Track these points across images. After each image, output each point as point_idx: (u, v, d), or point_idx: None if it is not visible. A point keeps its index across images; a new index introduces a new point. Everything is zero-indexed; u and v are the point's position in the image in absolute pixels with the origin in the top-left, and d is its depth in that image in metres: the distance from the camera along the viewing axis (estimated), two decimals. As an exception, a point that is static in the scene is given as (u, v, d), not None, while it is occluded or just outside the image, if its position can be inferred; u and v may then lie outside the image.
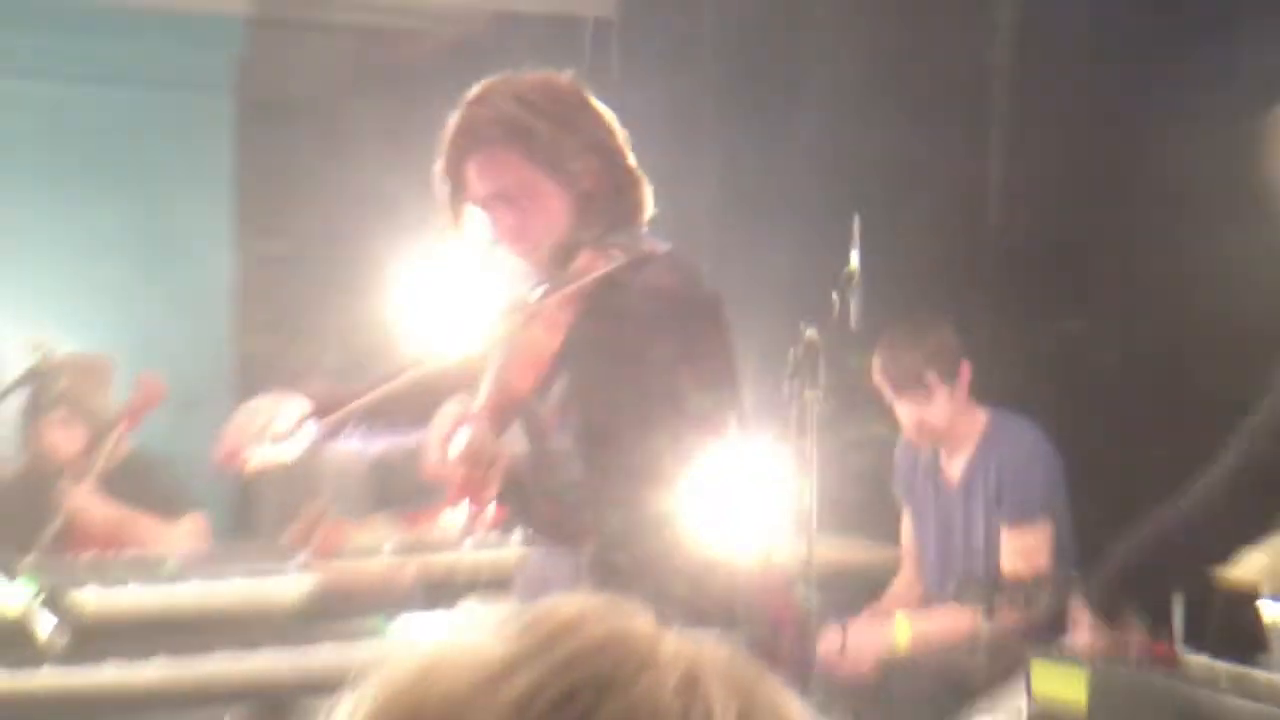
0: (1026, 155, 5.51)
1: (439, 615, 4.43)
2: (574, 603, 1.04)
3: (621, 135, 3.22)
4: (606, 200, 3.17)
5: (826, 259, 3.63)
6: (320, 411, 3.19)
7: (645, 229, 3.25)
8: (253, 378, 7.13)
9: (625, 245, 3.11)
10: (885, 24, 5.74)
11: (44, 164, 6.98)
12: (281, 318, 7.36)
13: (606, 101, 3.24)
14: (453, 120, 3.16)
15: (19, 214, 6.84)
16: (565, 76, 3.23)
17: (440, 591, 4.47)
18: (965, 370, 4.94)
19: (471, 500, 2.86)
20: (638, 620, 1.03)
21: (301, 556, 4.58)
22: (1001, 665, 4.40)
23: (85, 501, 5.23)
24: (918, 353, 4.89)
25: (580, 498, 3.09)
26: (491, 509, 2.86)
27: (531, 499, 3.10)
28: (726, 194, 6.16)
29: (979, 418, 4.98)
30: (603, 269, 3.03)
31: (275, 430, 3.15)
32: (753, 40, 6.22)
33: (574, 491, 3.10)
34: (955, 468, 5.01)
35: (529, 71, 3.23)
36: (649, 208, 3.27)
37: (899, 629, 4.88)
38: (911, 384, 4.89)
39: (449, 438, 2.84)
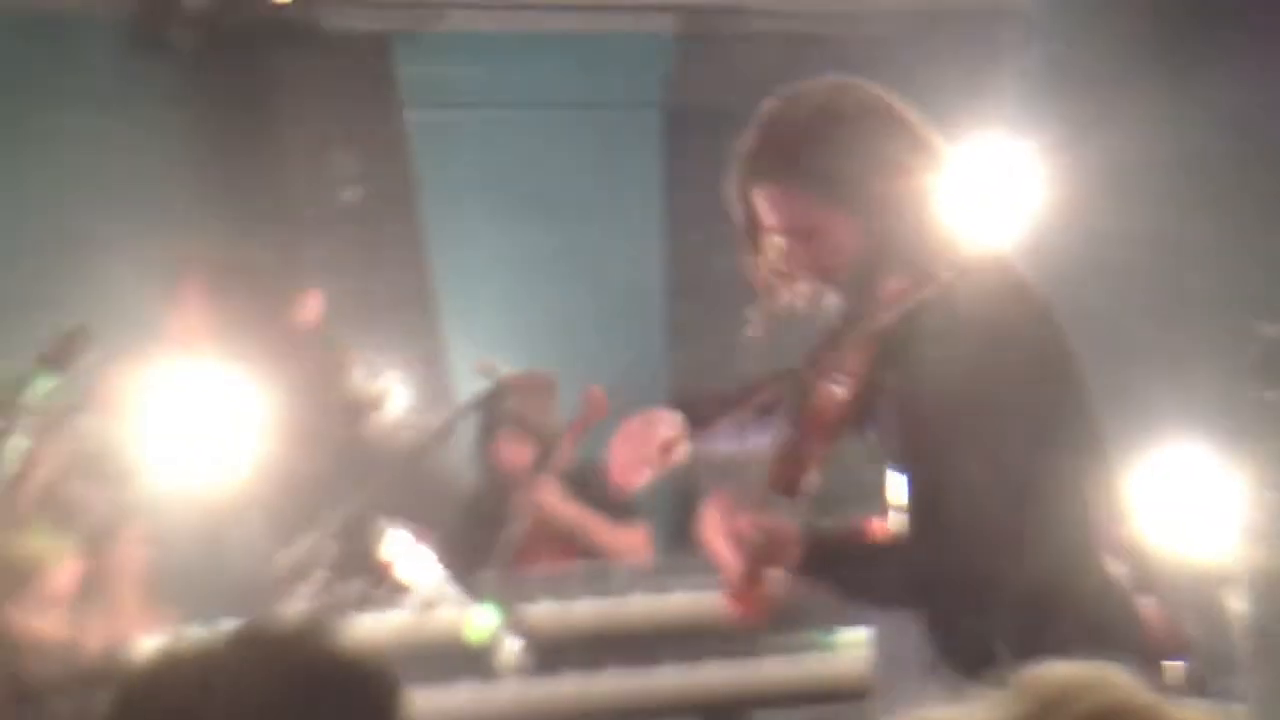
0: None
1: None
2: (1063, 671, 1.00)
3: (930, 141, 2.99)
4: (909, 220, 2.94)
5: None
6: (697, 421, 3.18)
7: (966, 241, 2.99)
8: (687, 385, 7.26)
9: (930, 267, 2.90)
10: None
11: (486, 189, 7.24)
12: (713, 329, 7.43)
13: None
14: (739, 147, 3.03)
15: (466, 241, 7.12)
16: (863, 88, 3.01)
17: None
18: None
19: (742, 603, 2.80)
20: (1133, 689, 0.98)
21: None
22: None
23: (548, 495, 5.48)
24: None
25: (913, 558, 2.90)
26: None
27: (846, 570, 2.96)
28: (1175, 183, 5.89)
29: None
30: (906, 302, 2.87)
31: (657, 444, 3.15)
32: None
33: (902, 554, 2.93)
34: None
35: (825, 81, 3.04)
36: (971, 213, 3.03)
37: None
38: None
39: (725, 528, 2.78)
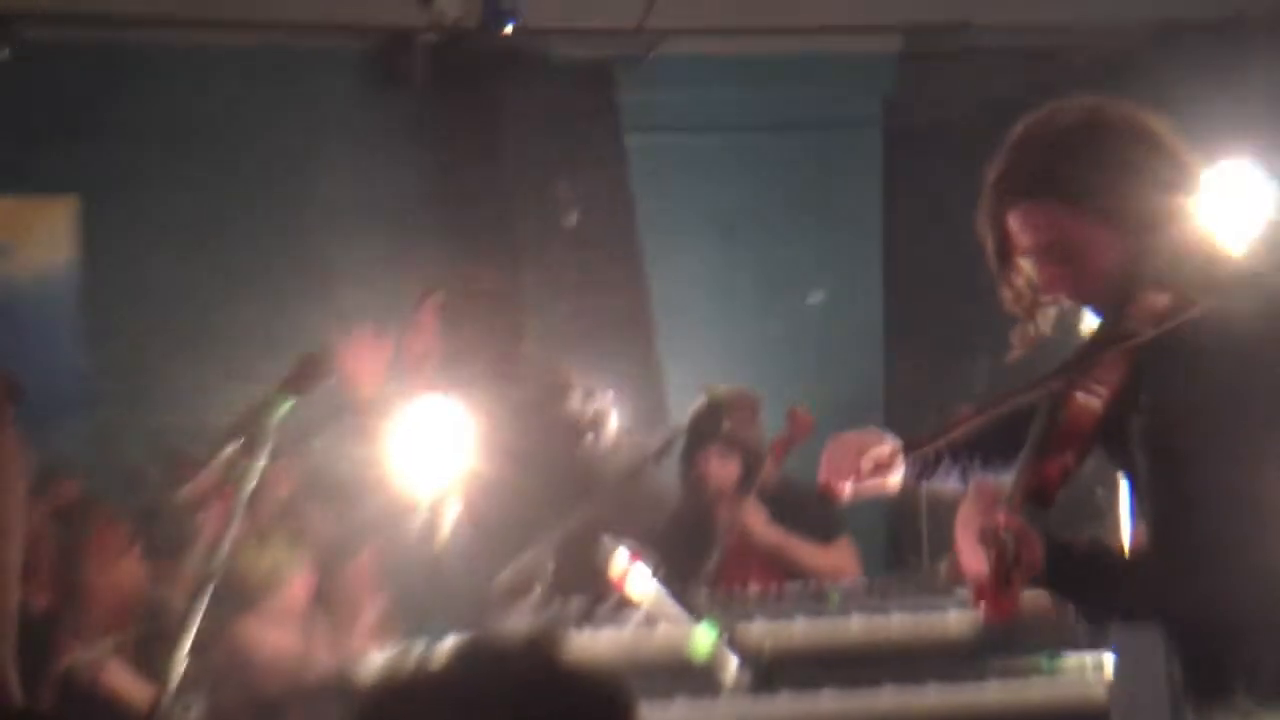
0: None
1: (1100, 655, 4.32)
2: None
3: (1186, 156, 2.94)
4: (1167, 236, 2.89)
5: None
6: (912, 446, 3.17)
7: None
8: (901, 410, 7.22)
9: (1190, 284, 2.85)
10: None
11: (703, 212, 7.29)
12: (930, 356, 7.37)
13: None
14: (990, 169, 2.99)
15: (682, 262, 7.18)
16: (1118, 104, 2.97)
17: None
18: None
19: (991, 604, 2.77)
20: None
21: (961, 593, 4.57)
22: None
23: (752, 517, 5.50)
24: None
25: (1157, 575, 2.84)
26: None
27: (1088, 582, 2.87)
28: None
29: None
30: (1166, 319, 2.80)
31: (869, 463, 3.14)
32: None
33: (1146, 569, 2.87)
34: None
35: (1079, 100, 3.00)
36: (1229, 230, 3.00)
37: None
38: None
39: (972, 535, 2.75)
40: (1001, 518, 2.78)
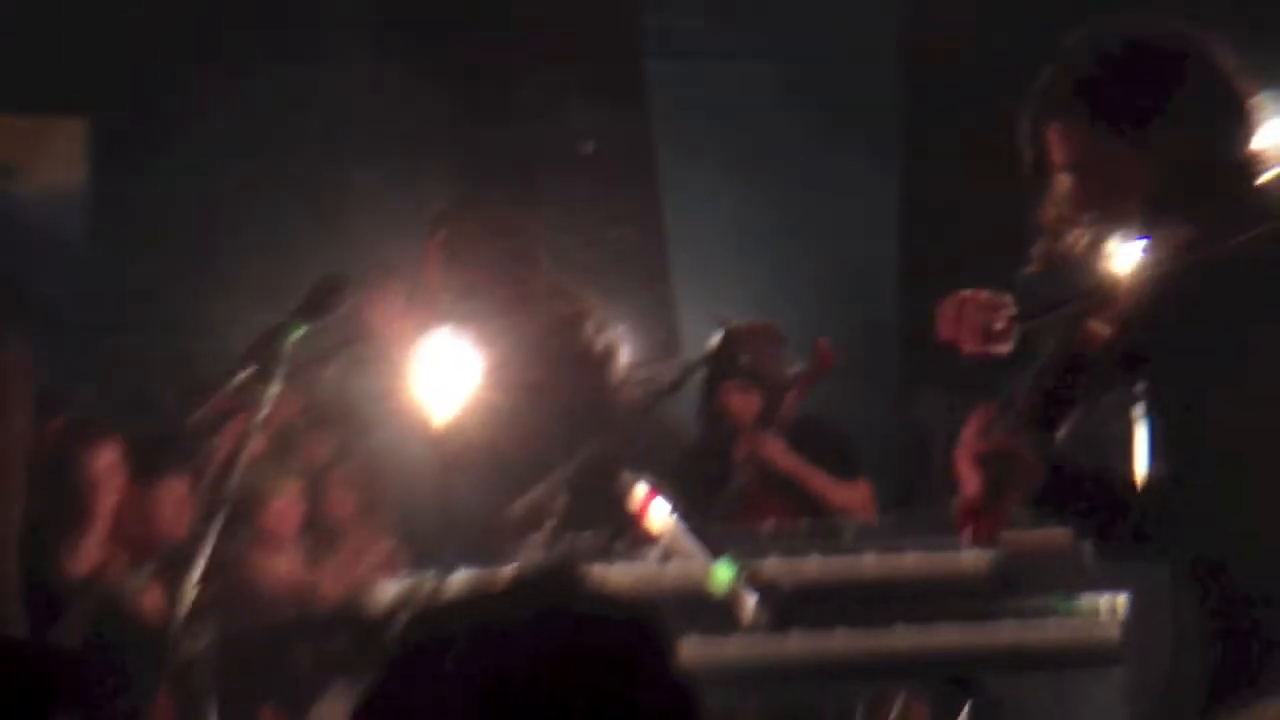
0: None
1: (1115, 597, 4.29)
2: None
3: (1239, 88, 2.86)
4: (1208, 166, 2.84)
5: None
6: (1025, 315, 3.14)
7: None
8: (917, 346, 7.18)
9: (1224, 217, 2.79)
10: None
11: (720, 142, 7.22)
12: (939, 286, 7.31)
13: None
14: (1038, 81, 2.95)
15: (698, 194, 7.12)
16: (1170, 26, 2.92)
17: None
18: None
19: (974, 523, 2.75)
20: None
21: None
22: None
23: (774, 448, 5.48)
24: None
25: (1168, 503, 2.81)
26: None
27: (1090, 508, 2.85)
28: None
29: None
30: (1195, 251, 2.76)
31: (987, 324, 3.12)
32: None
33: (1155, 499, 2.83)
34: None
35: (1132, 17, 2.95)
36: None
37: None
38: None
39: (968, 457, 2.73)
40: (996, 439, 2.76)
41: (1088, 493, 2.83)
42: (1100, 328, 2.81)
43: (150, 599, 5.02)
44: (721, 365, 5.49)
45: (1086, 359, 2.82)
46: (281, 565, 5.46)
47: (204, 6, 6.61)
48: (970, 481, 2.78)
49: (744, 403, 5.69)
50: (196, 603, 3.41)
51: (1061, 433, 2.84)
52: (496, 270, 5.10)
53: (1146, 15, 2.96)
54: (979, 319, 3.07)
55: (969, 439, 2.81)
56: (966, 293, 3.12)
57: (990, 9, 6.87)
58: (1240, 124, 2.86)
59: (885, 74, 7.42)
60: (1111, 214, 2.91)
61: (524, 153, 6.90)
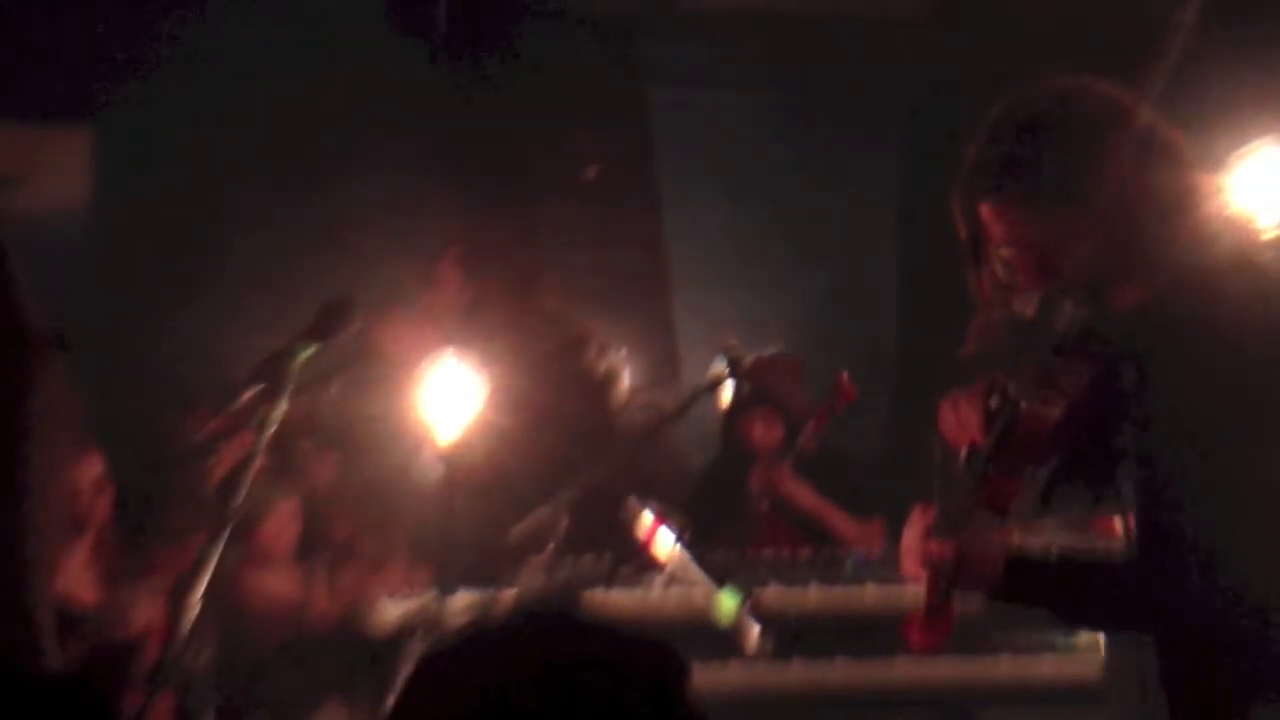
0: None
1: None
2: None
3: (1171, 142, 2.80)
4: (1148, 225, 2.76)
5: None
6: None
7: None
8: (916, 378, 7.19)
9: (1171, 273, 2.74)
10: None
11: (720, 170, 7.24)
12: (947, 319, 7.32)
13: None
14: (965, 156, 2.87)
15: (698, 220, 7.14)
16: (1096, 89, 2.84)
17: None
18: None
19: (917, 632, 2.74)
20: None
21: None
22: None
23: (790, 483, 5.50)
24: None
25: (1143, 577, 2.74)
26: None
27: (1059, 592, 2.79)
28: None
29: None
30: (1146, 310, 2.71)
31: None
32: None
33: (1129, 573, 2.75)
34: None
35: (1052, 81, 2.86)
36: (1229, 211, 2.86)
37: None
38: None
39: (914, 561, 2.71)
40: (935, 545, 2.72)
41: (1054, 579, 2.77)
42: (1045, 411, 2.73)
43: (141, 616, 5.01)
44: (747, 393, 5.51)
45: (1035, 444, 2.75)
46: (275, 584, 5.44)
47: (213, 25, 6.60)
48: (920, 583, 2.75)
49: (767, 433, 5.74)
50: (195, 621, 3.39)
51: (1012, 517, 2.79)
52: (506, 290, 5.11)
53: (1070, 77, 2.88)
54: (975, 415, 3.01)
55: (913, 542, 2.78)
56: (960, 393, 3.07)
57: (991, 34, 6.89)
58: (1174, 175, 2.79)
59: (886, 98, 7.44)
60: (1058, 282, 2.82)
61: (527, 177, 6.91)
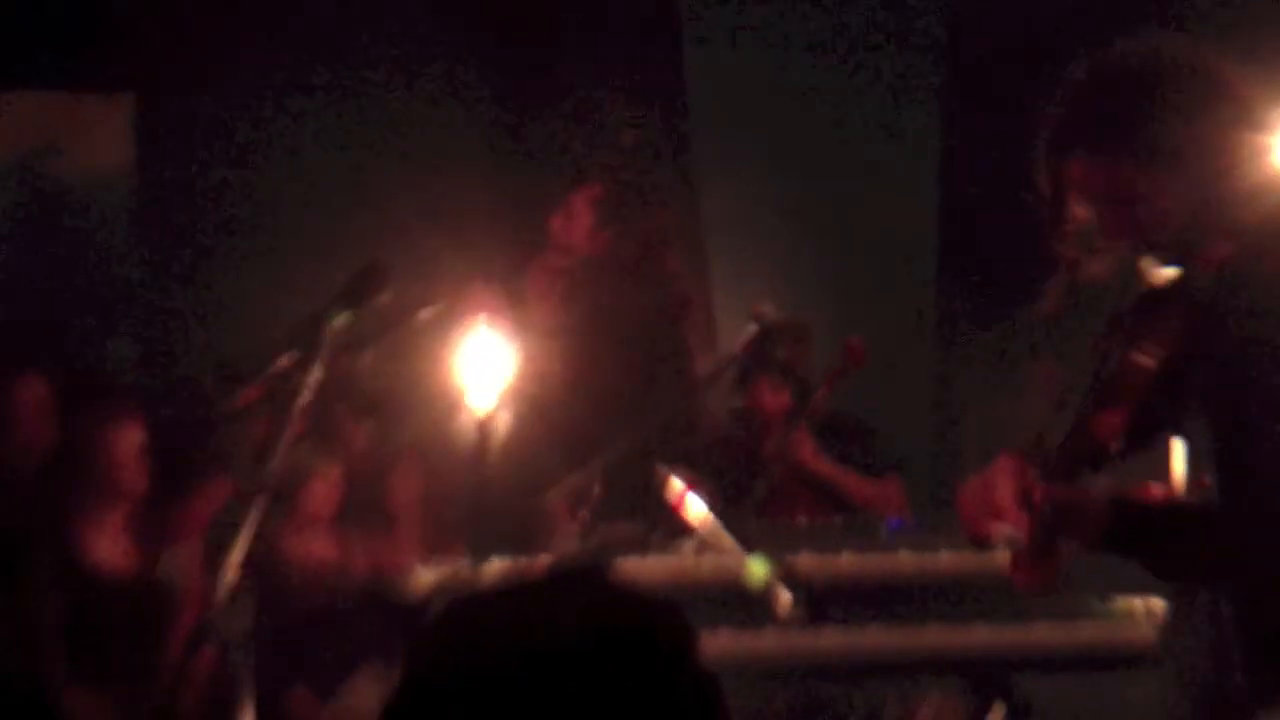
0: None
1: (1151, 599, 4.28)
2: None
3: (1255, 99, 2.84)
4: (1234, 182, 2.80)
5: None
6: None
7: None
8: (951, 343, 7.17)
9: (1257, 231, 2.77)
10: None
11: (759, 132, 7.20)
12: (976, 282, 7.29)
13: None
14: (1048, 115, 2.90)
15: (736, 184, 7.10)
16: (1183, 45, 2.88)
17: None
18: None
19: (1025, 573, 2.73)
20: None
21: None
22: None
23: (802, 450, 5.50)
24: None
25: (1228, 529, 2.77)
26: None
27: (1153, 542, 2.81)
28: None
29: None
30: (1233, 266, 2.73)
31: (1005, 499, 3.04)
32: None
33: (1215, 524, 2.78)
34: None
35: (1136, 41, 2.90)
36: None
37: None
38: None
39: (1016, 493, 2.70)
40: (1039, 490, 2.73)
41: (1148, 526, 2.79)
42: (1140, 359, 2.77)
43: (185, 578, 5.07)
44: (755, 360, 5.51)
45: (1129, 394, 2.77)
46: (317, 548, 5.49)
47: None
48: (1020, 527, 2.75)
49: (776, 398, 5.73)
50: (235, 585, 3.43)
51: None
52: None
53: (1148, 37, 2.93)
54: (1008, 492, 3.00)
55: (1005, 482, 2.78)
56: (976, 478, 3.06)
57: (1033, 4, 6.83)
58: (1266, 133, 2.83)
59: (929, 65, 7.38)
60: (1144, 238, 2.87)
61: (565, 142, 6.89)
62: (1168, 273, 2.85)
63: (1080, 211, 2.89)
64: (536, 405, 4.74)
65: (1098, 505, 2.75)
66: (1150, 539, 2.81)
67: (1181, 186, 2.81)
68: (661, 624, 1.62)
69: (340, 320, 3.41)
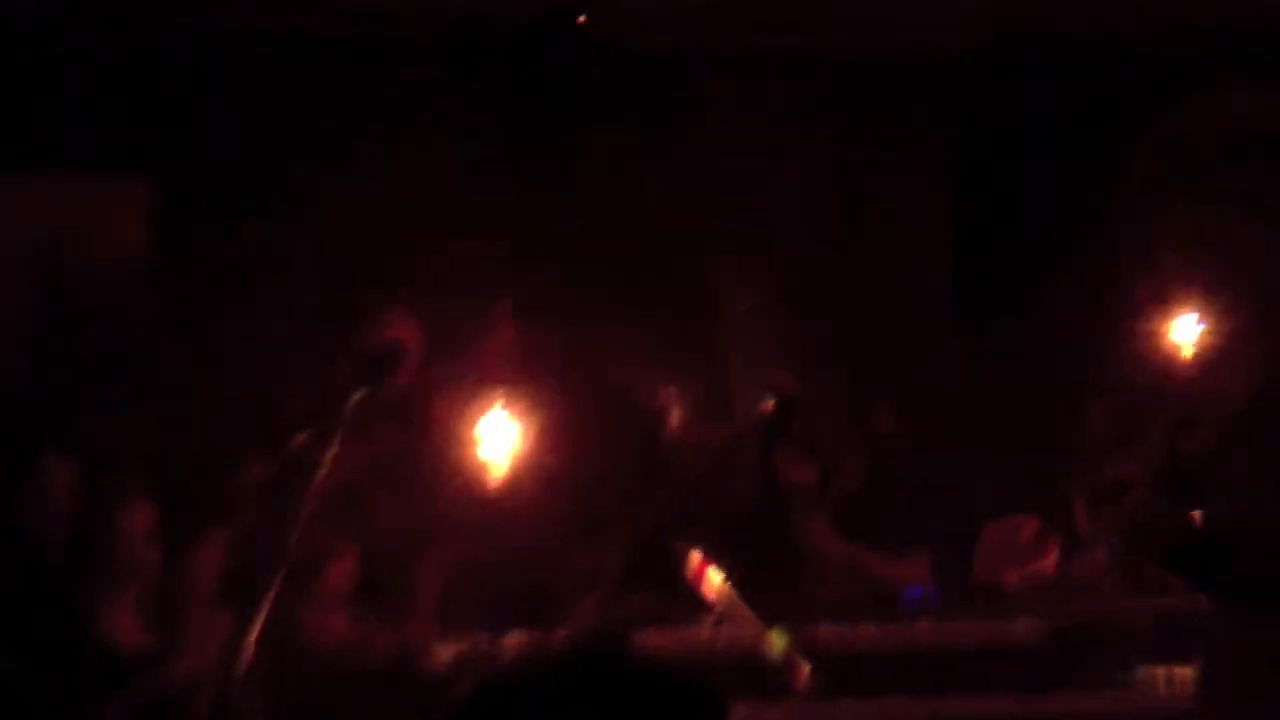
0: None
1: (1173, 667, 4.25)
2: None
3: None
4: None
5: None
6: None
7: None
8: (968, 409, 7.12)
9: None
10: None
11: (768, 211, 7.21)
12: (1005, 347, 7.22)
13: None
14: (1136, 163, 2.90)
15: (749, 241, 7.08)
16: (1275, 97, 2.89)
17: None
18: None
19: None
20: None
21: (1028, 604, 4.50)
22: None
23: (823, 538, 5.46)
24: None
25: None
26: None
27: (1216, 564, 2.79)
28: None
29: None
30: None
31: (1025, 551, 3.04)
32: None
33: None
34: None
35: (1235, 90, 2.92)
36: None
37: None
38: None
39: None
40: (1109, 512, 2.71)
41: (1223, 554, 2.77)
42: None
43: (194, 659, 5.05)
44: (776, 433, 5.48)
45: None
46: (335, 626, 5.47)
47: (265, 73, 6.66)
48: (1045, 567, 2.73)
49: (800, 471, 5.67)
50: (251, 663, 3.42)
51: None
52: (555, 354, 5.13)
53: (1242, 89, 2.92)
54: (1009, 551, 2.99)
55: (1029, 525, 2.76)
56: (996, 525, 3.06)
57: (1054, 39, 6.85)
58: None
59: (940, 144, 7.39)
60: (1228, 293, 2.86)
61: (576, 218, 6.90)
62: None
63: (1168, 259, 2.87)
64: (551, 478, 4.73)
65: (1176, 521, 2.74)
66: (1209, 559, 2.78)
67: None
68: (696, 699, 1.62)
69: (357, 396, 3.41)
